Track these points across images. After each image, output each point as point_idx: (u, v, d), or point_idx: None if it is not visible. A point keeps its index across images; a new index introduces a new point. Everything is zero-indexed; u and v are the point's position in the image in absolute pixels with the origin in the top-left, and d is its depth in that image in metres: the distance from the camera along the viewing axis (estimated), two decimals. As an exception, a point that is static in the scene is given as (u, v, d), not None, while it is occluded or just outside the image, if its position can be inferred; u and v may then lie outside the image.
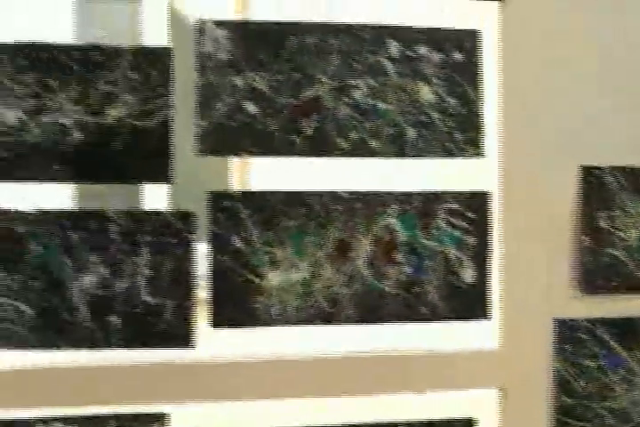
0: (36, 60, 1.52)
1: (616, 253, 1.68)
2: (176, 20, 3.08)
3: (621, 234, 1.68)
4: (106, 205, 1.54)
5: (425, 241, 1.62)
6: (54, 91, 1.52)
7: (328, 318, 1.62)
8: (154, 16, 3.13)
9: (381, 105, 1.59)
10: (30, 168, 1.52)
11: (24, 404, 1.54)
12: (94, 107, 1.53)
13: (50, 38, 1.52)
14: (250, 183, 2.63)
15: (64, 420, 1.55)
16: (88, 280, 1.55)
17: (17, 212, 1.54)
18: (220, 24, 1.55)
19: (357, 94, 1.59)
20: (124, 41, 1.46)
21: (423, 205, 1.62)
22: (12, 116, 1.51)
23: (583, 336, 1.67)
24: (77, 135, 1.53)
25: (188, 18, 3.06)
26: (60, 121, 1.52)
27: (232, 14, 2.92)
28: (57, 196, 2.51)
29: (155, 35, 3.08)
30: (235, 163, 3.08)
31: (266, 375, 1.61)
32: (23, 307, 1.53)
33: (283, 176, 1.77)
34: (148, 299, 1.56)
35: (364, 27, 1.59)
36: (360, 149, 1.60)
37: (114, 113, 1.53)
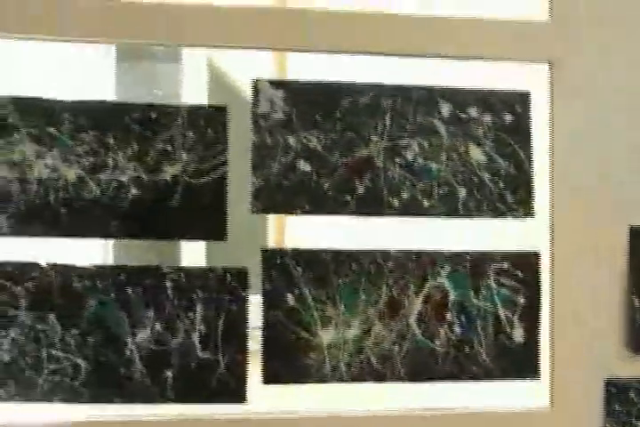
0: (95, 118, 1.53)
1: (667, 313, 1.67)
2: (215, 79, 3.11)
3: (672, 294, 1.67)
4: (142, 261, 1.55)
5: (475, 300, 1.62)
6: (112, 149, 1.54)
7: (379, 376, 1.62)
8: (193, 75, 3.17)
9: (433, 165, 1.60)
10: (88, 224, 1.54)
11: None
12: (151, 164, 1.55)
13: (91, 97, 1.55)
14: (298, 240, 2.63)
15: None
16: (143, 335, 1.55)
17: (74, 267, 1.55)
18: (275, 84, 1.57)
19: (409, 154, 1.61)
20: (166, 100, 1.48)
21: (473, 265, 1.62)
22: (72, 173, 1.53)
23: (634, 396, 1.66)
24: (134, 192, 1.55)
25: (228, 77, 3.09)
26: (118, 178, 1.54)
27: (272, 74, 2.95)
28: (92, 250, 2.53)
29: (194, 93, 3.11)
30: (281, 219, 3.09)
31: (315, 432, 1.59)
32: (79, 361, 1.54)
33: (333, 234, 1.77)
34: (202, 354, 1.57)
35: (416, 88, 1.61)
36: (411, 208, 1.61)
37: (170, 170, 1.55)
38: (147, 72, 2.96)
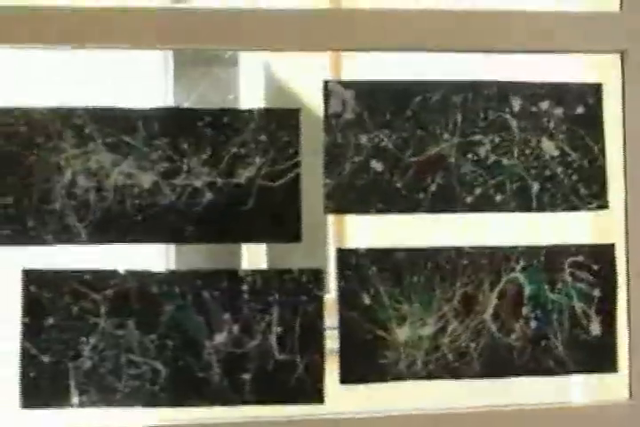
0: (169, 124, 1.54)
1: None
2: (271, 82, 3.11)
3: None
4: (202, 265, 1.56)
5: (551, 294, 1.61)
6: (186, 154, 1.54)
7: (455, 373, 1.62)
8: (251, 79, 3.16)
9: (505, 160, 1.59)
10: (163, 230, 1.54)
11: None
12: (225, 168, 1.55)
13: (148, 104, 1.55)
14: (363, 240, 2.63)
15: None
16: (221, 339, 1.56)
17: (150, 273, 1.56)
18: (346, 84, 1.57)
19: (481, 150, 1.60)
20: (219, 103, 1.49)
21: (548, 259, 1.61)
22: (147, 179, 1.53)
23: None
24: (209, 196, 1.55)
25: (283, 80, 3.09)
26: (193, 183, 1.54)
27: (327, 75, 2.95)
28: (153, 255, 2.53)
29: (252, 97, 3.11)
30: (341, 219, 3.08)
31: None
32: (158, 366, 1.55)
33: (404, 232, 1.77)
34: (279, 356, 1.57)
35: (486, 83, 1.60)
36: (484, 204, 1.61)
37: (244, 174, 1.56)
38: (204, 77, 2.97)
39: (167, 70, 3.00)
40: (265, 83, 3.10)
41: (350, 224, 2.97)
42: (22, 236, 1.52)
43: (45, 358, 1.53)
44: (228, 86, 3.06)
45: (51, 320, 1.53)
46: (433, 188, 1.59)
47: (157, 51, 1.40)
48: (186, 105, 1.57)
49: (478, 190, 1.60)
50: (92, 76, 2.52)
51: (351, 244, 1.84)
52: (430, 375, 1.61)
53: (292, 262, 1.58)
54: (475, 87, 1.60)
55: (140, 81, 2.68)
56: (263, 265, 2.96)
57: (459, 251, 1.61)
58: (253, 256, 3.10)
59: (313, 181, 1.58)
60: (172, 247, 2.88)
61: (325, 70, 2.80)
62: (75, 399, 1.53)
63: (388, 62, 1.77)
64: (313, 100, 1.68)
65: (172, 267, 2.59)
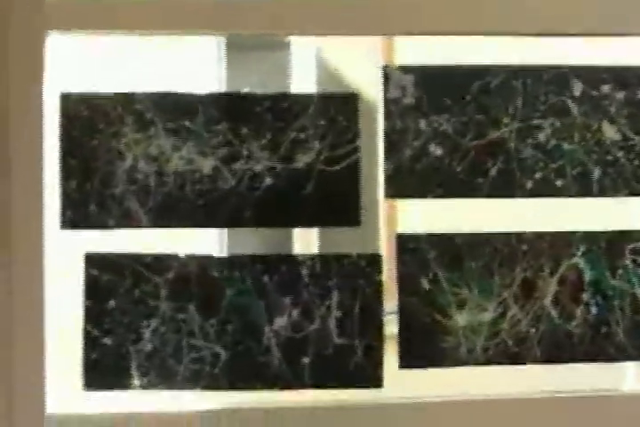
0: (228, 109, 1.55)
1: None
2: (323, 67, 3.11)
3: None
4: (254, 249, 1.56)
5: (611, 280, 1.60)
6: (246, 139, 1.55)
7: (514, 358, 1.61)
8: (302, 63, 3.16)
9: (566, 145, 1.59)
10: (224, 215, 1.55)
11: None
12: (284, 153, 1.56)
13: (201, 88, 1.56)
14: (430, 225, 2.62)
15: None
16: (280, 323, 1.57)
17: (211, 257, 1.57)
18: (405, 69, 1.57)
19: (541, 135, 1.60)
20: (272, 88, 1.50)
21: (609, 244, 1.61)
22: (207, 164, 1.54)
23: None
24: (269, 181, 1.56)
25: (334, 65, 3.09)
26: (252, 168, 1.55)
27: (379, 61, 2.94)
28: (206, 239, 2.54)
29: (303, 82, 3.11)
30: (392, 203, 3.07)
31: (453, 416, 1.61)
32: (218, 350, 1.56)
33: (463, 217, 1.77)
34: (338, 340, 1.58)
35: (547, 68, 1.60)
36: (545, 189, 1.61)
37: (304, 159, 1.56)
38: (257, 63, 2.97)
39: (220, 56, 3.01)
40: (317, 68, 3.10)
41: (402, 209, 2.96)
42: (84, 220, 1.54)
43: (107, 341, 1.55)
44: (280, 72, 3.06)
45: (112, 303, 1.55)
46: (493, 172, 1.59)
47: (210, 36, 1.41)
48: (245, 90, 1.57)
49: (538, 175, 1.59)
50: (148, 62, 2.53)
51: (403, 229, 1.83)
52: (489, 361, 1.61)
53: (343, 247, 1.58)
54: (535, 71, 1.59)
55: (192, 66, 2.69)
56: (314, 250, 2.96)
57: (519, 236, 1.60)
58: (305, 241, 3.10)
59: (367, 166, 1.58)
60: (224, 232, 2.89)
61: (378, 55, 2.80)
62: (136, 382, 1.55)
63: (442, 47, 1.76)
64: (366, 85, 1.68)
65: (225, 252, 2.60)
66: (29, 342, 1.46)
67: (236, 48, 2.92)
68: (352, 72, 2.57)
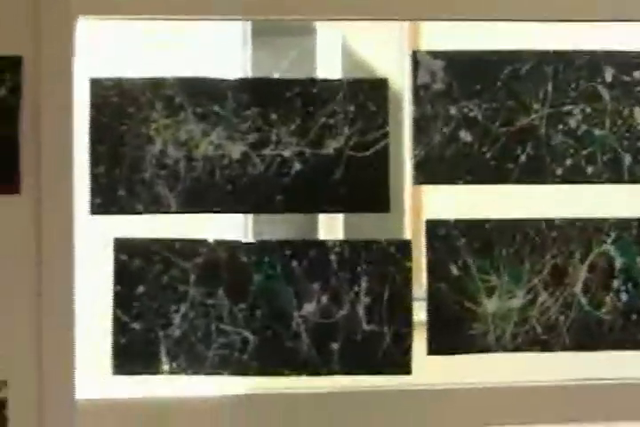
0: (258, 95, 1.55)
1: None
2: (348, 52, 3.10)
3: None
4: (280, 235, 1.56)
5: (642, 267, 1.60)
6: (276, 124, 1.55)
7: (544, 346, 1.61)
8: (328, 48, 3.15)
9: (597, 131, 1.58)
10: (253, 200, 1.56)
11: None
12: (314, 139, 1.56)
13: (227, 73, 1.57)
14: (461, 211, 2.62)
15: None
16: (309, 308, 1.57)
17: (240, 242, 1.58)
18: (435, 55, 1.57)
19: (572, 121, 1.59)
20: (297, 74, 1.49)
21: (640, 231, 1.59)
22: (236, 150, 1.54)
23: None
24: (298, 167, 1.56)
25: (361, 51, 3.08)
26: (282, 153, 1.56)
27: (406, 47, 2.93)
28: (232, 226, 2.54)
29: (328, 67, 3.11)
30: (429, 189, 3.06)
31: (481, 403, 1.61)
32: (247, 335, 1.57)
33: (493, 203, 1.76)
34: (367, 326, 1.58)
35: (578, 53, 1.59)
36: (575, 176, 1.60)
37: (333, 144, 1.56)
38: (282, 47, 2.96)
39: (245, 41, 3.01)
40: (342, 54, 3.09)
41: (430, 195, 2.96)
42: (113, 205, 1.54)
43: (136, 326, 1.55)
44: (306, 58, 3.05)
45: (141, 288, 1.55)
46: (523, 159, 1.58)
47: (236, 22, 1.41)
48: (275, 75, 1.57)
49: (569, 161, 1.59)
50: (176, 48, 2.53)
51: (431, 215, 1.83)
52: (518, 348, 1.60)
53: (369, 233, 1.58)
54: (566, 57, 1.59)
55: (219, 51, 2.68)
56: (339, 236, 2.96)
57: (549, 223, 1.60)
58: (330, 227, 3.10)
59: (394, 153, 1.58)
60: (249, 218, 2.89)
61: (404, 41, 2.79)
62: (165, 367, 1.56)
63: (470, 32, 1.75)
64: (392, 71, 1.67)
65: (250, 238, 2.61)
66: (59, 328, 1.48)
67: (262, 34, 2.91)
68: (378, 58, 2.56)
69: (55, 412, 1.47)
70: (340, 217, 3.06)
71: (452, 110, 1.58)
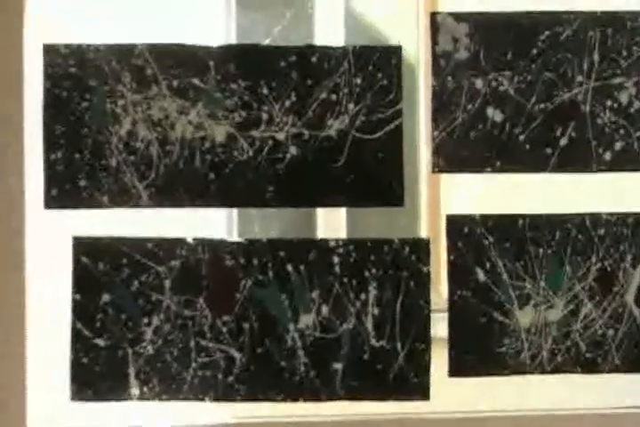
0: (246, 65, 1.54)
1: None
2: (352, 14, 3.12)
3: None
4: (271, 233, 1.56)
5: None
6: (267, 101, 1.54)
7: (589, 365, 1.60)
8: (328, 9, 3.17)
9: (652, 108, 1.57)
10: (240, 192, 1.56)
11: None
12: (313, 118, 1.55)
13: (205, 40, 1.56)
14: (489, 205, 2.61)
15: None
16: (307, 321, 1.56)
17: (224, 242, 1.57)
18: (459, 17, 1.56)
19: (623, 96, 1.58)
20: (292, 40, 1.50)
21: None
22: (220, 131, 1.54)
23: None
24: (294, 152, 1.55)
25: (364, 15, 3.10)
26: (274, 136, 1.55)
27: (420, 8, 2.93)
28: (215, 222, 2.54)
29: (329, 32, 3.12)
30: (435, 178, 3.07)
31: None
32: (233, 353, 1.56)
33: (527, 195, 1.76)
34: (377, 343, 1.57)
35: (630, 14, 1.57)
36: (626, 162, 1.59)
37: (335, 125, 1.55)
38: (274, 8, 2.97)
39: (229, 1, 3.01)
40: (345, 16, 3.10)
41: (450, 186, 2.95)
42: (73, 198, 1.53)
43: (100, 342, 1.54)
44: (302, 22, 3.06)
45: (106, 297, 1.54)
46: (563, 142, 1.57)
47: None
48: (266, 42, 1.57)
49: (619, 145, 1.58)
50: (148, 12, 2.55)
51: (451, 209, 1.84)
52: (558, 369, 1.59)
53: (376, 231, 1.58)
54: (615, 19, 1.57)
55: (198, 13, 2.69)
56: (342, 234, 2.97)
57: (594, 218, 1.58)
58: (330, 224, 3.12)
59: (409, 135, 1.59)
60: (234, 213, 2.91)
61: (418, 2, 2.78)
62: (134, 391, 1.55)
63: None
64: (404, 38, 1.66)
65: (236, 236, 2.63)
66: (7, 345, 1.47)
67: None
68: (388, 21, 2.56)
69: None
70: (342, 212, 3.07)
71: (479, 84, 1.56)
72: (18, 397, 1.48)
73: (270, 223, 2.18)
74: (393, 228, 1.64)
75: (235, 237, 1.58)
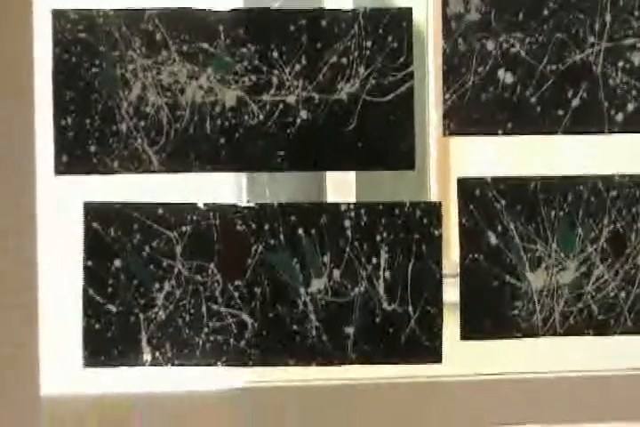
0: (256, 30, 1.55)
1: None
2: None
3: None
4: (280, 198, 1.56)
5: None
6: (277, 65, 1.55)
7: (601, 328, 1.62)
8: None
9: (665, 69, 1.58)
10: (250, 156, 1.56)
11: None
12: (323, 82, 1.56)
13: (215, 4, 1.56)
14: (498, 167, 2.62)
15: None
16: (319, 285, 1.58)
17: (236, 207, 1.58)
18: (470, -23, 1.56)
19: (635, 57, 1.59)
20: (302, 3, 1.49)
21: None
22: (231, 96, 1.55)
23: None
24: (304, 116, 1.56)
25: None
26: (285, 100, 1.56)
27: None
28: (225, 187, 2.54)
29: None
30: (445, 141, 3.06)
31: (524, 396, 1.62)
32: (245, 318, 1.57)
33: (539, 157, 1.76)
34: (388, 306, 1.58)
35: (644, -28, 1.58)
36: (639, 123, 1.60)
37: (346, 88, 1.56)
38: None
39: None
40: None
41: (459, 149, 2.96)
42: (83, 164, 1.54)
43: (112, 308, 1.55)
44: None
45: (118, 263, 1.55)
46: (575, 103, 1.58)
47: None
48: (276, 5, 1.56)
49: (631, 106, 1.59)
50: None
51: (460, 172, 1.83)
52: (570, 331, 1.61)
53: (385, 195, 1.58)
54: (629, -24, 1.56)
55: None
56: (351, 198, 2.97)
57: (606, 180, 1.60)
58: (339, 188, 3.10)
59: (418, 98, 1.58)
60: (242, 178, 2.89)
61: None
62: (146, 357, 1.56)
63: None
64: (413, 0, 1.66)
65: (244, 201, 2.61)
66: (19, 313, 1.48)
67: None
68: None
69: (16, 410, 1.48)
70: (351, 176, 3.06)
71: (490, 46, 1.57)
72: (31, 364, 1.48)
73: (280, 188, 2.18)
74: (402, 192, 1.64)
75: (244, 203, 1.58)
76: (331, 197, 3.11)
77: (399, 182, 1.72)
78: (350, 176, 3.02)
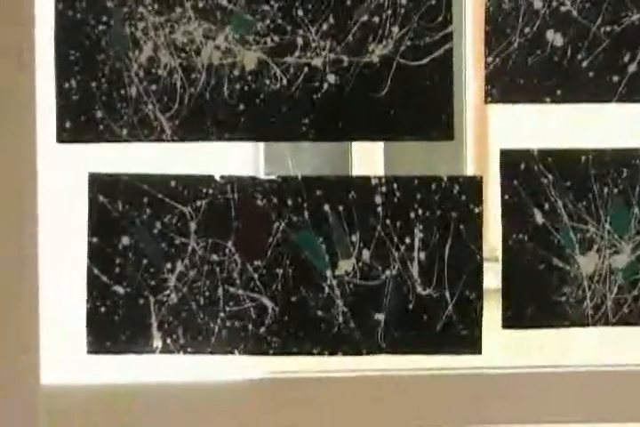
0: (280, -16, 1.54)
1: None
2: None
3: None
4: (303, 171, 1.56)
5: None
6: (302, 23, 1.55)
7: (658, 317, 1.59)
8: None
9: None
10: (272, 124, 1.56)
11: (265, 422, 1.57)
12: (353, 43, 1.55)
13: None
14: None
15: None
16: (347, 267, 1.57)
17: (256, 180, 1.58)
18: None
19: (702, 16, 1.56)
20: None
21: None
22: (251, 57, 1.54)
23: None
24: (332, 80, 1.56)
25: None
26: (310, 62, 1.55)
27: None
28: (237, 158, 2.55)
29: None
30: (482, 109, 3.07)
31: (572, 389, 1.61)
32: (265, 302, 1.57)
33: (591, 128, 1.75)
34: (423, 291, 1.58)
35: None
36: None
37: (378, 50, 1.55)
38: None
39: None
40: None
41: (501, 118, 2.95)
42: (88, 131, 1.54)
43: (119, 289, 1.56)
44: None
45: (126, 240, 1.56)
46: (632, 69, 1.57)
47: None
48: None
49: (696, 72, 1.56)
50: None
51: (502, 144, 1.83)
52: (624, 320, 1.61)
53: (416, 169, 1.58)
54: None
55: None
56: (379, 171, 2.97)
57: (667, 153, 1.57)
58: (366, 160, 3.11)
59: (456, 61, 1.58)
60: (260, 149, 2.90)
61: None
62: (157, 343, 1.57)
63: None
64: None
65: (261, 173, 2.63)
66: (20, 293, 1.48)
67: None
68: None
69: (16, 399, 1.48)
70: (379, 147, 3.06)
71: (538, 4, 1.56)
72: (31, 350, 1.48)
73: (301, 159, 2.18)
74: (436, 165, 1.64)
75: (262, 175, 1.58)
76: (357, 170, 3.11)
77: (431, 154, 1.71)
78: (378, 147, 3.02)
